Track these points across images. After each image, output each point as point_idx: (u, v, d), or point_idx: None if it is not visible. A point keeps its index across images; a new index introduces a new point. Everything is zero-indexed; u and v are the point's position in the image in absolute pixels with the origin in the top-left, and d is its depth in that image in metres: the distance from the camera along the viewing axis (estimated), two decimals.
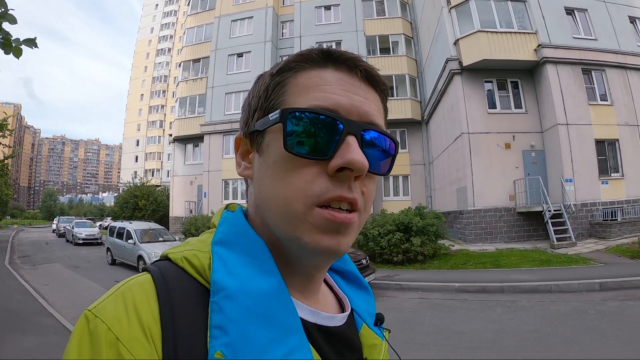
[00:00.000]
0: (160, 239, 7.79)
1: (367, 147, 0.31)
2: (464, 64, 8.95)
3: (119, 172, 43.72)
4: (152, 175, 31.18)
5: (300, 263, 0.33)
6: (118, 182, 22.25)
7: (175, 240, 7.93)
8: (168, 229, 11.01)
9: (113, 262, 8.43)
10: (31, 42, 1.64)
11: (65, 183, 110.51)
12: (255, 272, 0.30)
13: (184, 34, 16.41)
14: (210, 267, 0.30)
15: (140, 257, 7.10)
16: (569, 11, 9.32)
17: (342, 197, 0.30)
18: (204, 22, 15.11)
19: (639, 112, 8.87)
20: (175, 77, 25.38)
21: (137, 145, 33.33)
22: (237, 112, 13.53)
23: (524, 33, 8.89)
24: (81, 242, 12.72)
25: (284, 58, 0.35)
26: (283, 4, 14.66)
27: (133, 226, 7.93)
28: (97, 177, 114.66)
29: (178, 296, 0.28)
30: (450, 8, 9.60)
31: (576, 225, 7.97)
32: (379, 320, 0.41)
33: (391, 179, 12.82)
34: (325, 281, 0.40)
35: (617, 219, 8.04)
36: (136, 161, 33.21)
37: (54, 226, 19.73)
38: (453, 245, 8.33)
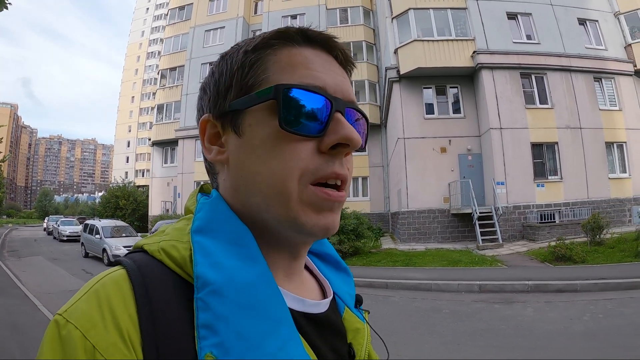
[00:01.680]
0: (124, 234, 9.06)
1: (350, 123, 0.32)
2: (401, 73, 9.72)
3: (111, 172, 44.98)
4: (143, 176, 32.42)
5: (286, 243, 0.33)
6: (111, 183, 23.61)
7: (136, 235, 9.11)
8: (147, 227, 12.22)
9: (86, 255, 9.71)
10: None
11: (62, 182, 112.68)
12: (241, 261, 0.28)
13: (163, 43, 17.58)
14: (191, 259, 0.28)
15: (104, 250, 8.36)
16: (512, 16, 10.03)
17: (336, 174, 0.30)
18: (180, 32, 16.32)
19: (582, 115, 9.58)
20: None
21: (128, 146, 34.70)
22: None
23: (461, 40, 9.65)
24: (65, 238, 14.08)
25: (255, 34, 0.34)
26: (255, 13, 15.78)
27: (101, 223, 9.22)
28: (93, 177, 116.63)
29: (157, 293, 0.26)
30: (393, 18, 10.49)
31: (508, 227, 8.74)
32: (357, 301, 0.41)
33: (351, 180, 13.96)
34: (306, 265, 0.39)
35: (555, 221, 8.73)
36: (127, 162, 34.59)
37: (45, 225, 21.09)
38: (381, 245, 9.25)
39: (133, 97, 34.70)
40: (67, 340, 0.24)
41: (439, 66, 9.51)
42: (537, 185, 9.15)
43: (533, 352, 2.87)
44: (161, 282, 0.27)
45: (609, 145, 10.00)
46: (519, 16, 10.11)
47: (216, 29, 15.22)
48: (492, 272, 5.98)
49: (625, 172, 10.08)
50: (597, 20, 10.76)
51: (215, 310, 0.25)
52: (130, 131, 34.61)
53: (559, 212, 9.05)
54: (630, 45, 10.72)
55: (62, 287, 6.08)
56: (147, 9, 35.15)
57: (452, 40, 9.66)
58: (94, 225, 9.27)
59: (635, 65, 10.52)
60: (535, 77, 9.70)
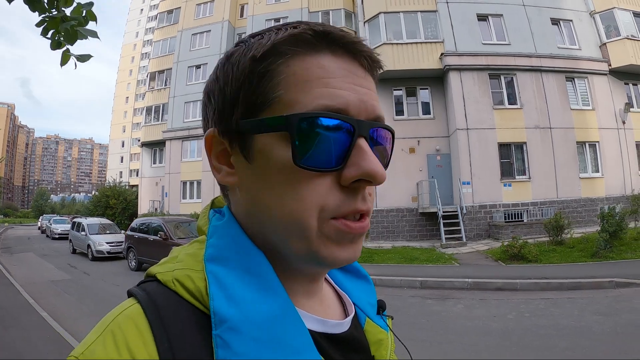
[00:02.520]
0: (108, 232, 10.15)
1: (374, 145, 0.30)
2: None
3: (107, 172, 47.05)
4: (137, 175, 33.99)
5: (304, 271, 0.32)
6: (106, 183, 25.26)
7: (120, 232, 10.22)
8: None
9: (74, 251, 10.88)
10: (86, 57, 1.49)
11: (59, 182, 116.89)
12: (258, 293, 0.28)
13: (152, 46, 18.88)
14: (207, 290, 0.28)
15: (89, 246, 9.47)
16: (483, 17, 10.72)
17: (357, 210, 0.29)
18: (168, 35, 17.51)
19: (552, 115, 10.21)
20: None
21: (123, 146, 36.42)
22: (195, 120, 15.86)
23: (430, 42, 10.38)
24: (57, 236, 15.41)
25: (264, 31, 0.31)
26: (240, 16, 16.87)
27: (87, 221, 10.37)
28: (90, 176, 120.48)
29: (175, 328, 0.26)
30: (364, 22, 11.33)
31: (473, 226, 9.44)
32: (380, 307, 0.40)
33: None
34: (325, 279, 0.39)
35: (523, 220, 9.40)
36: (121, 162, 36.31)
37: (39, 224, 22.71)
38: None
39: (127, 97, 36.40)
40: None
41: (408, 69, 10.30)
42: (504, 185, 9.83)
43: (435, 346, 3.11)
44: (178, 316, 0.27)
45: (581, 145, 10.63)
46: (489, 17, 10.84)
47: (202, 32, 16.34)
48: (441, 269, 6.47)
49: (597, 171, 10.69)
50: (571, 20, 11.40)
51: (233, 348, 0.25)
52: (124, 131, 36.31)
53: (527, 211, 9.72)
54: (605, 44, 11.32)
55: (47, 278, 7.11)
56: (142, 9, 36.80)
57: (421, 42, 10.45)
58: (81, 222, 10.44)
59: (610, 65, 11.12)
60: (504, 77, 10.40)
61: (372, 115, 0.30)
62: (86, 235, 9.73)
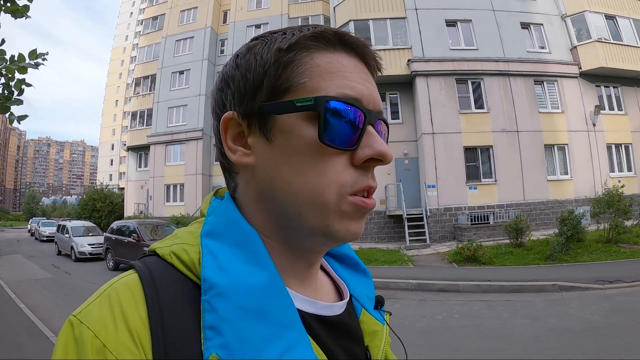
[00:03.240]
0: (90, 234, 11.23)
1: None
2: None
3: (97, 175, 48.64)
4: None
5: (305, 251, 0.36)
6: (96, 186, 26.64)
7: (101, 235, 11.28)
8: None
9: (59, 253, 12.00)
10: (23, 117, 1.85)
11: (51, 185, 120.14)
12: (248, 265, 0.31)
13: (137, 53, 20.10)
14: (199, 262, 0.31)
15: (72, 247, 10.56)
16: (451, 23, 11.57)
17: (369, 187, 0.34)
18: (153, 41, 18.73)
19: (520, 118, 11.00)
20: None
21: (112, 149, 37.88)
22: (178, 125, 16.97)
23: (399, 49, 11.25)
24: (45, 239, 16.64)
25: (289, 27, 0.36)
26: (223, 23, 17.97)
27: (70, 224, 11.47)
28: (82, 179, 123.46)
29: (167, 295, 0.30)
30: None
31: (439, 228, 10.27)
32: (379, 303, 0.43)
33: None
34: (322, 267, 0.43)
35: (489, 223, 10.20)
36: (111, 164, 37.78)
37: (29, 227, 24.09)
38: None
39: (117, 100, 37.88)
40: (80, 340, 0.27)
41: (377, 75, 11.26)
42: (470, 188, 10.66)
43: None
44: (171, 285, 0.30)
45: (549, 147, 11.42)
46: (458, 23, 11.71)
47: (186, 38, 17.49)
48: (394, 270, 6.93)
49: (566, 174, 11.48)
50: (541, 24, 12.21)
51: (220, 312, 0.28)
52: (114, 134, 37.78)
53: (493, 213, 10.53)
54: (576, 47, 12.12)
55: (30, 277, 8.14)
56: (131, 13, 38.27)
57: (389, 49, 11.36)
58: (65, 225, 11.57)
59: (580, 68, 11.92)
60: (472, 82, 11.25)
61: (377, 109, 0.36)
62: (69, 237, 10.84)
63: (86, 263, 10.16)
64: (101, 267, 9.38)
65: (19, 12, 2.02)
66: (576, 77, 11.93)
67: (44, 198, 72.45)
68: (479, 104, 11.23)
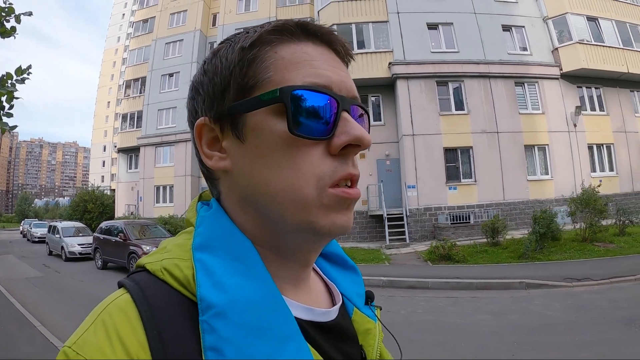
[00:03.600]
0: (80, 234, 11.86)
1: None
2: None
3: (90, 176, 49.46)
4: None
5: (296, 252, 0.36)
6: (88, 187, 27.45)
7: (90, 235, 11.90)
8: None
9: (50, 253, 12.64)
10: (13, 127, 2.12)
11: (43, 186, 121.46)
12: (244, 279, 0.31)
13: (128, 55, 20.78)
14: (194, 278, 0.31)
15: (62, 247, 11.19)
16: (433, 26, 12.17)
17: (350, 175, 0.34)
18: (143, 44, 19.41)
19: (500, 120, 11.60)
20: None
21: (104, 150, 38.62)
22: (168, 127, 17.61)
23: (381, 52, 11.80)
24: (37, 239, 17.33)
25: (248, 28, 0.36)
26: (213, 26, 18.63)
27: (61, 225, 12.11)
28: (75, 180, 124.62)
29: (163, 316, 0.29)
30: None
31: (418, 228, 10.83)
32: (369, 298, 0.44)
33: None
34: (313, 269, 0.43)
35: (469, 222, 10.74)
36: (103, 166, 38.52)
37: (21, 228, 24.81)
38: None
39: (109, 102, 38.66)
40: None
41: (359, 77, 11.79)
42: (449, 188, 11.26)
43: None
44: (166, 303, 0.30)
45: (530, 148, 12.01)
46: (440, 26, 12.32)
47: (175, 41, 18.16)
48: (370, 268, 7.26)
49: (547, 173, 12.06)
50: (523, 26, 12.82)
51: (220, 333, 0.28)
52: (106, 136, 38.54)
53: (473, 213, 11.11)
54: (557, 49, 12.72)
55: (23, 276, 8.77)
56: (123, 14, 39.07)
57: (371, 52, 11.97)
58: (56, 226, 12.22)
59: (561, 69, 12.52)
60: (452, 84, 11.86)
61: (351, 94, 0.36)
62: (60, 237, 11.48)
63: (76, 262, 10.78)
64: (90, 266, 9.99)
65: (7, 33, 2.28)
66: (557, 79, 12.52)
67: (36, 200, 73.37)
68: (459, 105, 11.80)
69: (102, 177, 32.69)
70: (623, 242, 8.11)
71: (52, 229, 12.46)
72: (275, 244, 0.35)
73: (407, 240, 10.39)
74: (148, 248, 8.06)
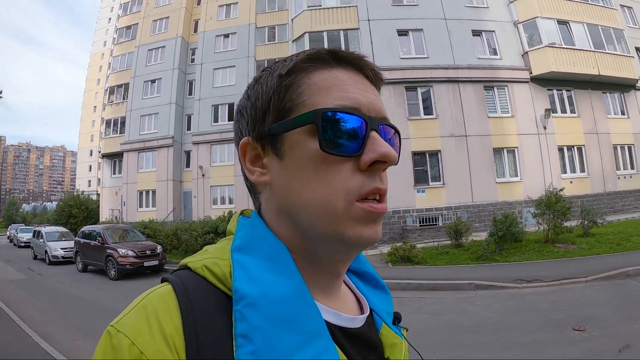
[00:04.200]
0: (63, 239, 12.97)
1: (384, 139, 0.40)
2: None
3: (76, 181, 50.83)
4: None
5: (327, 261, 0.41)
6: (75, 192, 28.73)
7: (73, 239, 12.98)
8: None
9: (35, 257, 13.75)
10: None
11: (31, 191, 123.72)
12: (276, 276, 0.37)
13: (111, 61, 21.99)
14: (231, 275, 0.36)
15: (46, 251, 12.29)
16: (403, 33, 13.13)
17: (378, 189, 0.39)
18: (126, 51, 20.64)
19: (468, 123, 12.54)
20: None
21: (91, 155, 39.92)
22: (149, 132, 18.73)
23: None
24: (23, 244, 18.48)
25: (283, 59, 0.44)
26: (194, 32, 19.77)
27: (45, 229, 13.23)
28: (63, 184, 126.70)
29: (200, 305, 0.34)
30: (292, 41, 13.94)
31: (387, 230, 11.68)
32: (396, 319, 0.49)
33: None
34: (345, 282, 0.48)
35: (438, 224, 11.64)
36: (90, 170, 39.78)
37: (7, 233, 26.10)
38: None
39: (95, 106, 39.96)
40: (118, 348, 0.32)
41: None
42: (418, 191, 12.22)
43: None
44: (204, 296, 0.35)
45: (499, 151, 12.97)
46: (410, 32, 13.32)
47: (158, 48, 19.35)
48: None
49: (516, 176, 13.01)
50: (493, 31, 13.81)
51: (251, 321, 0.33)
52: (92, 140, 39.81)
53: (442, 215, 12.06)
54: (527, 52, 13.70)
55: (7, 278, 9.82)
56: (110, 19, 40.36)
57: None
58: (40, 231, 13.35)
59: (531, 73, 13.50)
60: (421, 89, 12.85)
61: (380, 115, 0.41)
62: (44, 242, 12.59)
63: (59, 266, 11.86)
64: (71, 269, 11.06)
65: None
66: (527, 82, 13.48)
67: (24, 204, 74.95)
68: (428, 110, 12.78)
69: (89, 181, 34.01)
70: (585, 244, 8.46)
71: (37, 234, 13.60)
72: (308, 252, 0.41)
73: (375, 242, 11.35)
74: (124, 251, 9.17)
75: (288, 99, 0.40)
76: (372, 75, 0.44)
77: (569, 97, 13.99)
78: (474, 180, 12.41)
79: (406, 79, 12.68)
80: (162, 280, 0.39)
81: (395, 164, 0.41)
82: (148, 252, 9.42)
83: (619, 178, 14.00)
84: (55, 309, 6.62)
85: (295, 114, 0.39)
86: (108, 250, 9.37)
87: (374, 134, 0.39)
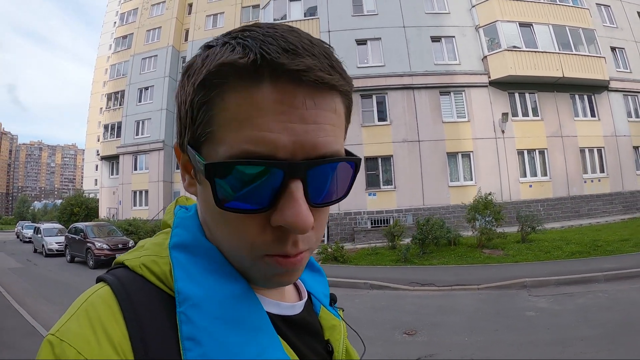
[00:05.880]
0: (60, 234, 15.67)
1: (317, 184, 0.36)
2: None
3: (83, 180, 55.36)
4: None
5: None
6: (83, 191, 32.23)
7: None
8: None
9: (35, 251, 16.68)
10: None
11: (43, 188, 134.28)
12: (218, 275, 0.38)
13: (109, 69, 24.97)
14: (171, 274, 0.37)
15: (43, 245, 15.03)
16: (362, 42, 14.58)
17: (286, 254, 0.36)
18: (122, 59, 23.49)
19: (422, 129, 13.95)
20: None
21: (97, 155, 43.68)
22: (143, 137, 21.36)
23: None
24: (27, 240, 21.66)
25: (203, 47, 0.37)
26: (185, 40, 22.25)
27: (43, 226, 16.07)
28: (74, 182, 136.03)
29: (143, 308, 0.35)
30: None
31: (339, 231, 13.42)
32: (332, 300, 0.53)
33: None
34: None
35: (387, 226, 13.27)
36: (96, 169, 43.59)
37: (16, 230, 30.00)
38: None
39: (101, 108, 43.75)
40: (62, 359, 0.31)
41: None
42: (369, 194, 13.84)
43: None
44: (145, 296, 0.36)
45: (453, 155, 14.29)
46: (369, 42, 14.86)
47: (151, 57, 22.03)
48: None
49: (471, 179, 14.32)
50: (453, 36, 15.06)
51: (196, 323, 0.34)
52: (98, 140, 43.59)
53: (393, 217, 13.52)
54: (486, 57, 14.90)
55: (5, 267, 12.48)
56: (115, 22, 43.95)
57: None
58: (39, 227, 16.17)
59: (489, 77, 14.68)
60: (376, 97, 14.37)
61: (314, 154, 0.34)
62: (41, 237, 15.31)
63: (54, 258, 14.59)
64: (63, 260, 13.65)
65: None
66: (486, 86, 14.62)
67: (35, 202, 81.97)
68: (382, 116, 14.28)
69: (95, 180, 37.72)
70: (514, 250, 9.02)
71: (36, 230, 16.47)
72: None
73: (326, 242, 13.07)
74: (99, 245, 11.58)
75: (199, 122, 0.36)
76: (317, 90, 0.35)
77: (532, 100, 14.93)
78: (426, 184, 13.85)
79: (361, 87, 14.05)
80: (98, 280, 0.39)
81: (342, 199, 0.39)
82: (120, 246, 11.77)
83: (585, 182, 14.82)
84: (36, 288, 9.02)
85: (203, 146, 0.36)
86: (88, 244, 11.83)
87: (293, 186, 0.34)
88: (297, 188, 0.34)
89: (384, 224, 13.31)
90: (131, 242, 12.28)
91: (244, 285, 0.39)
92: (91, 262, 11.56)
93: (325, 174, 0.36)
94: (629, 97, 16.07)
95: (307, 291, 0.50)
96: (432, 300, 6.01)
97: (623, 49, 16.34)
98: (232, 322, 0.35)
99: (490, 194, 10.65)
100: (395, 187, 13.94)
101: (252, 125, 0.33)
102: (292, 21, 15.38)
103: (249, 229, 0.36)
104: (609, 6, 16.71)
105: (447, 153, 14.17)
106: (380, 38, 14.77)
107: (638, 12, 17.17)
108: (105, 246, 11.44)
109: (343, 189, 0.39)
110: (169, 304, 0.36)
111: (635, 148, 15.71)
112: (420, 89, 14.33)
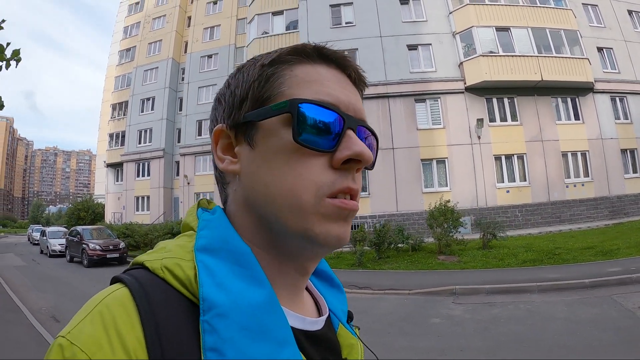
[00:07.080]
0: (64, 237, 17.81)
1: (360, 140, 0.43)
2: None
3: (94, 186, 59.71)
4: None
5: (295, 258, 0.44)
6: (94, 196, 35.27)
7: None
8: None
9: (41, 252, 19.10)
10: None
11: (58, 193, 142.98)
12: (246, 283, 0.38)
13: (113, 80, 27.56)
14: (196, 279, 0.37)
15: (47, 246, 17.28)
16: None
17: (349, 189, 0.42)
18: (126, 71, 25.90)
19: (396, 136, 14.90)
20: None
21: (104, 162, 47.41)
22: (145, 145, 23.53)
23: None
24: (36, 242, 24.36)
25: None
26: (184, 52, 24.35)
27: (48, 229, 18.46)
28: (89, 187, 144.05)
29: (163, 314, 0.34)
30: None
31: None
32: (349, 318, 0.54)
33: None
34: None
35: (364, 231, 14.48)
36: (107, 175, 47.28)
37: (27, 233, 33.49)
38: None
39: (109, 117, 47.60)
40: None
41: None
42: None
43: None
44: (166, 302, 0.35)
45: (428, 161, 15.18)
46: (345, 53, 16.09)
47: (152, 69, 24.28)
48: None
49: (446, 185, 15.17)
50: (430, 44, 16.00)
51: (221, 334, 0.34)
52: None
53: (366, 223, 14.48)
54: (462, 63, 15.73)
55: (12, 265, 14.59)
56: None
57: None
58: (45, 230, 18.53)
59: (465, 83, 15.48)
60: None
61: (359, 116, 0.45)
62: (46, 239, 17.56)
63: (56, 258, 16.77)
64: (63, 260, 15.66)
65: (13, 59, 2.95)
66: (462, 92, 15.40)
67: (50, 206, 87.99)
68: None
69: (106, 185, 41.08)
70: (469, 257, 9.55)
71: (43, 233, 18.85)
72: (275, 248, 0.43)
73: None
74: (92, 245, 13.45)
75: (267, 88, 0.43)
76: (355, 76, 0.47)
77: (511, 105, 15.58)
78: (400, 190, 14.82)
79: None
80: (114, 280, 0.39)
81: (371, 168, 0.45)
82: (111, 247, 13.67)
83: (567, 187, 15.27)
84: (34, 282, 10.84)
85: (273, 102, 0.42)
86: (83, 245, 13.75)
87: (350, 132, 0.42)
88: (353, 134, 0.43)
89: (357, 229, 14.51)
90: (122, 244, 14.12)
91: (271, 293, 0.39)
92: (85, 262, 13.45)
93: (365, 135, 0.46)
94: (617, 98, 16.32)
95: (328, 308, 0.52)
96: (360, 302, 6.38)
97: (611, 49, 16.67)
98: (257, 334, 0.36)
99: (449, 201, 11.50)
100: (369, 194, 14.96)
101: (321, 84, 0.43)
102: (273, 35, 16.96)
103: (314, 169, 0.41)
104: (597, 5, 17.06)
105: (422, 160, 15.08)
106: (357, 49, 15.83)
107: (628, 10, 17.43)
108: (98, 247, 13.28)
109: (371, 157, 0.44)
110: (191, 310, 0.36)
111: (624, 151, 15.98)
112: (395, 97, 15.32)
